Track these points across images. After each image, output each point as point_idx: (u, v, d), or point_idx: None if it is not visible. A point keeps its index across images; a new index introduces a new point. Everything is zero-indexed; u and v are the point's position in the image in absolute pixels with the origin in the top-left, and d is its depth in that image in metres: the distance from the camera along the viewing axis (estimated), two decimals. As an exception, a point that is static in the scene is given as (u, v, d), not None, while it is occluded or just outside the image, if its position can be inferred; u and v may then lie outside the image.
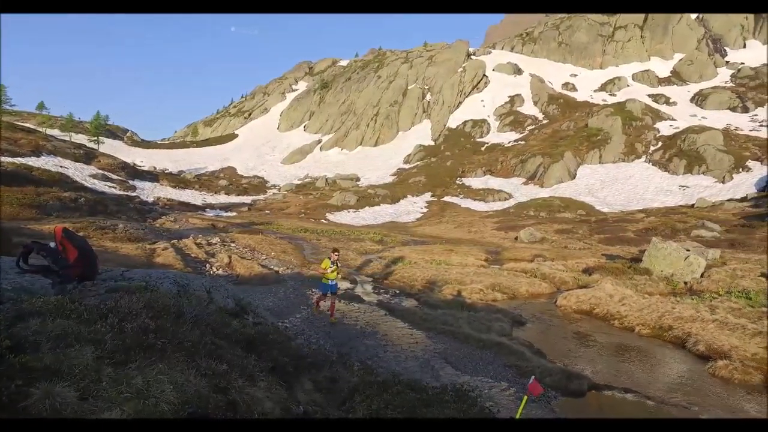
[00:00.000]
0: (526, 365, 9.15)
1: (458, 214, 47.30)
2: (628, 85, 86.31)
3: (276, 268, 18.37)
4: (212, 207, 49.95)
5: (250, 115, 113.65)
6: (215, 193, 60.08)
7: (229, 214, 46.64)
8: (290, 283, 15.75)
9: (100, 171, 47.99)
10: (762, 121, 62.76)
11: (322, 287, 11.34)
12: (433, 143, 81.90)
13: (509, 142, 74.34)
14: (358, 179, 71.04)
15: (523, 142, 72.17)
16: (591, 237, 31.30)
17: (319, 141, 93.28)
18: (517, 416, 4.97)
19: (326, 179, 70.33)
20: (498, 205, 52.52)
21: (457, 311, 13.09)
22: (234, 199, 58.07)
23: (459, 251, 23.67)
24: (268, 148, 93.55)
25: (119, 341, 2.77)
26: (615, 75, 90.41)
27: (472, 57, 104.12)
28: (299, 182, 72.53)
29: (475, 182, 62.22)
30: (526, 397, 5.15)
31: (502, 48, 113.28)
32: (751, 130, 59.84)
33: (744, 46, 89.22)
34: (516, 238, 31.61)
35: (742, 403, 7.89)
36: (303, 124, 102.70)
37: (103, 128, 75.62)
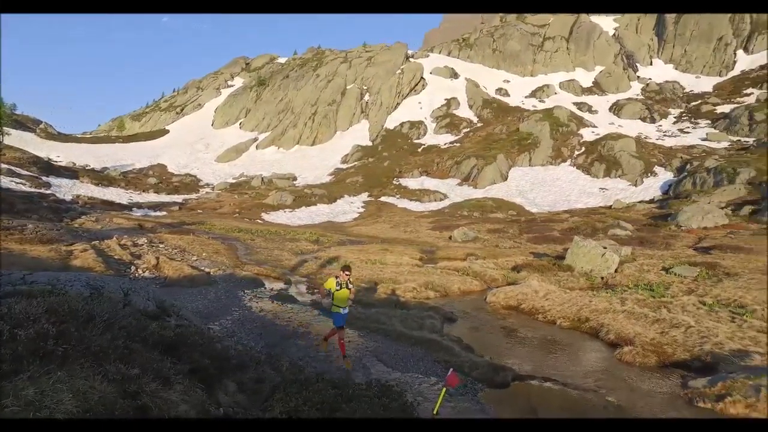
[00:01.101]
0: (455, 360, 9.48)
1: (395, 214, 47.92)
2: (555, 93, 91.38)
3: (207, 270, 17.74)
4: (140, 206, 47.19)
5: (182, 110, 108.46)
6: (143, 191, 56.81)
7: (158, 213, 44.29)
8: (222, 285, 15.30)
9: (5, 166, 43.74)
10: (666, 131, 68.95)
11: (335, 318, 8.68)
12: (371, 144, 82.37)
13: (445, 144, 76.31)
14: (295, 179, 70.01)
15: (458, 144, 74.36)
16: (521, 236, 32.86)
17: (256, 139, 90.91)
18: (436, 407, 5.18)
19: (262, 178, 68.68)
20: (434, 206, 53.76)
21: (391, 310, 13.29)
22: (164, 198, 55.20)
23: (394, 251, 24.00)
24: (201, 146, 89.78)
25: (8, 350, 2.58)
26: (544, 83, 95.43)
27: (411, 59, 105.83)
28: (234, 181, 70.25)
29: (412, 183, 63.32)
30: (444, 389, 5.37)
31: (440, 52, 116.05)
32: (657, 139, 65.50)
33: (651, 64, 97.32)
34: (450, 238, 32.51)
35: (639, 382, 8.67)
36: (239, 122, 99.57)
37: (9, 118, 67.98)
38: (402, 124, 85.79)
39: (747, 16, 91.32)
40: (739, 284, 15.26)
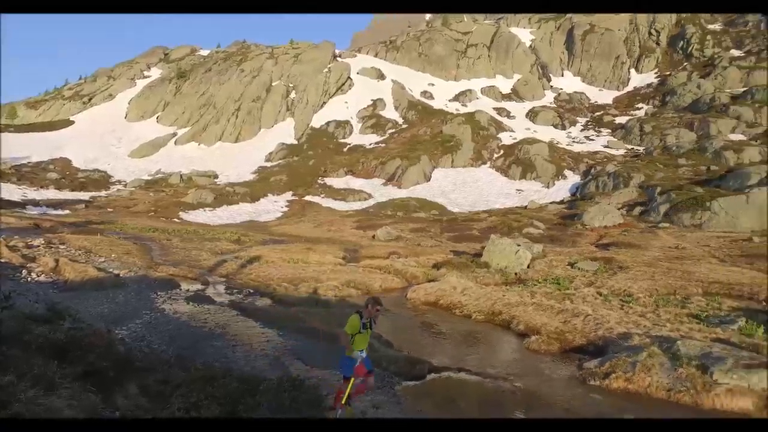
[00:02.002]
0: (374, 355, 9.60)
1: (319, 214, 47.64)
2: (477, 98, 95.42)
3: (116, 271, 16.60)
4: (36, 204, 42.91)
5: (90, 100, 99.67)
6: (42, 187, 51.71)
7: (60, 212, 40.56)
8: (133, 287, 14.42)
9: None
10: (574, 138, 74.77)
11: (344, 365, 5.92)
12: (296, 142, 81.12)
13: (371, 144, 77.02)
14: (216, 176, 67.19)
15: (383, 145, 75.36)
16: (442, 235, 34.03)
17: (174, 134, 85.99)
18: (344, 397, 5.28)
19: (181, 175, 65.18)
20: (358, 205, 54.10)
21: (312, 308, 13.25)
22: (68, 195, 50.62)
23: (317, 250, 23.89)
24: (113, 139, 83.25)
25: None
26: (467, 87, 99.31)
27: (339, 59, 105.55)
28: (150, 178, 65.97)
29: (337, 182, 63.29)
30: (353, 380, 5.48)
31: (367, 53, 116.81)
32: (567, 144, 70.81)
33: (563, 75, 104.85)
34: (374, 237, 32.93)
35: (543, 368, 9.39)
36: (156, 115, 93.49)
37: None
38: (328, 123, 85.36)
39: (637, 40, 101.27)
40: (629, 276, 16.95)
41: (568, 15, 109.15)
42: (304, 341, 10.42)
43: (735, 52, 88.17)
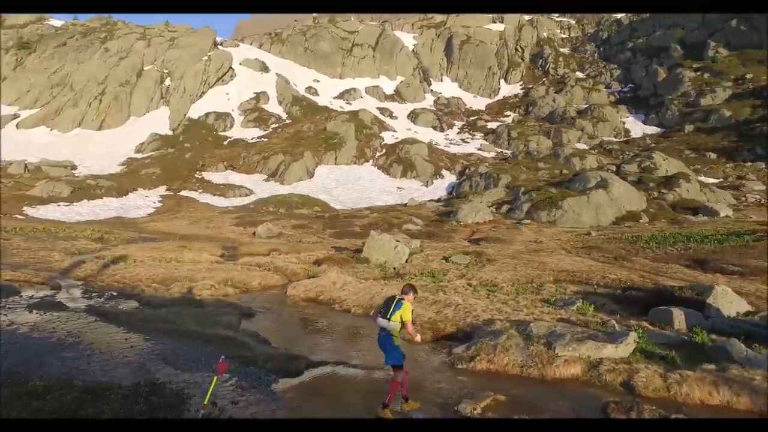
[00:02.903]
0: (250, 354, 9.41)
1: (196, 210, 44.83)
2: (361, 97, 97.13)
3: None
4: None
5: None
6: None
7: None
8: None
9: None
10: (451, 140, 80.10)
11: (396, 355, 6.32)
12: (171, 133, 75.14)
13: (253, 139, 74.35)
14: (74, 167, 59.48)
15: (266, 140, 73.22)
16: (324, 231, 34.15)
17: (17, 116, 74.16)
18: (207, 397, 5.12)
19: (26, 165, 56.47)
20: (239, 201, 52.01)
21: (185, 308, 12.46)
22: None
23: (193, 248, 22.49)
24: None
25: None
26: (351, 86, 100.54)
27: (220, 47, 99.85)
28: (-22, 166, 56.12)
29: (216, 177, 60.11)
30: (216, 378, 5.33)
31: (251, 43, 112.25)
32: (445, 146, 75.60)
33: (442, 80, 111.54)
34: (254, 234, 31.94)
35: (417, 355, 9.94)
36: (-12, 91, 79.66)
37: None
38: (207, 115, 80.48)
39: (506, 54, 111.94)
40: (495, 268, 18.67)
41: (448, 24, 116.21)
42: (174, 343, 9.76)
43: (579, 74, 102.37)
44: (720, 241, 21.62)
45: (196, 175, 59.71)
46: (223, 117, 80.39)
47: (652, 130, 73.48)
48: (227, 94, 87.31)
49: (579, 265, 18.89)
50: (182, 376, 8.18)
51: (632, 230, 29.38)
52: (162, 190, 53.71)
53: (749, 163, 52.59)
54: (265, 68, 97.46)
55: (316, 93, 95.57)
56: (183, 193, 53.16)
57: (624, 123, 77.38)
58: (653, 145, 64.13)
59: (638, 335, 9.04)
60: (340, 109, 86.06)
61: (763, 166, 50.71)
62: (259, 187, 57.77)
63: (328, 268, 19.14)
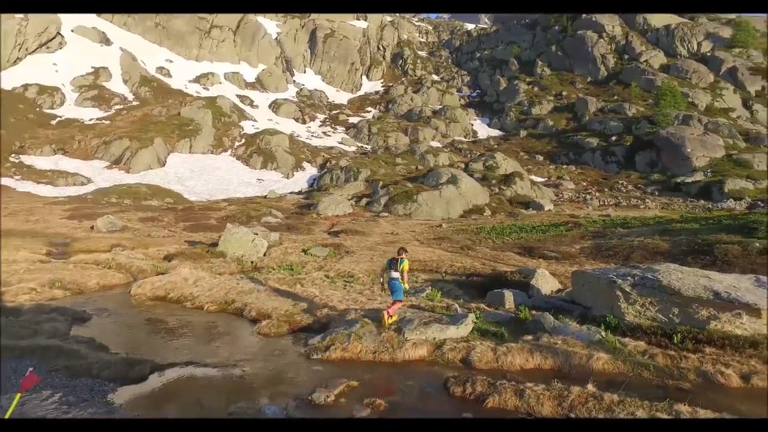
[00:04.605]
0: (81, 363, 8.39)
1: (12, 200, 37.90)
2: (220, 83, 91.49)
3: None
4: None
5: None
6: None
7: None
8: None
9: None
10: (313, 132, 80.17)
11: (400, 294, 9.92)
12: (-27, 106, 62.22)
13: (91, 120, 65.31)
14: None
15: (108, 122, 64.94)
16: (176, 224, 31.61)
17: None
18: (7, 415, 4.51)
19: None
20: (73, 190, 45.42)
21: (-9, 318, 10.55)
22: None
23: (7, 246, 19.05)
24: None
25: None
26: (209, 70, 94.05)
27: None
28: None
29: (42, 162, 51.58)
30: (19, 395, 4.71)
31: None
32: (306, 138, 75.33)
33: (305, 72, 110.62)
34: (92, 228, 28.23)
35: (273, 349, 9.88)
36: None
37: None
38: (26, 87, 68.37)
39: (369, 52, 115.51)
40: (353, 259, 19.29)
41: (312, 16, 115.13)
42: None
43: (435, 77, 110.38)
44: (543, 231, 25.34)
45: (13, 159, 50.49)
46: (51, 92, 69.09)
47: (495, 132, 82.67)
48: (55, 64, 75.19)
49: (430, 255, 20.47)
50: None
51: (477, 222, 32.78)
52: (-38, 175, 44.38)
53: (565, 166, 62.94)
54: (106, 40, 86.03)
55: (168, 74, 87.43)
56: (-6, 179, 44.58)
57: (472, 125, 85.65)
58: (496, 146, 72.28)
59: (476, 316, 10.17)
60: (196, 94, 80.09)
61: (574, 168, 61.23)
62: (100, 175, 51.12)
63: (179, 263, 17.82)
